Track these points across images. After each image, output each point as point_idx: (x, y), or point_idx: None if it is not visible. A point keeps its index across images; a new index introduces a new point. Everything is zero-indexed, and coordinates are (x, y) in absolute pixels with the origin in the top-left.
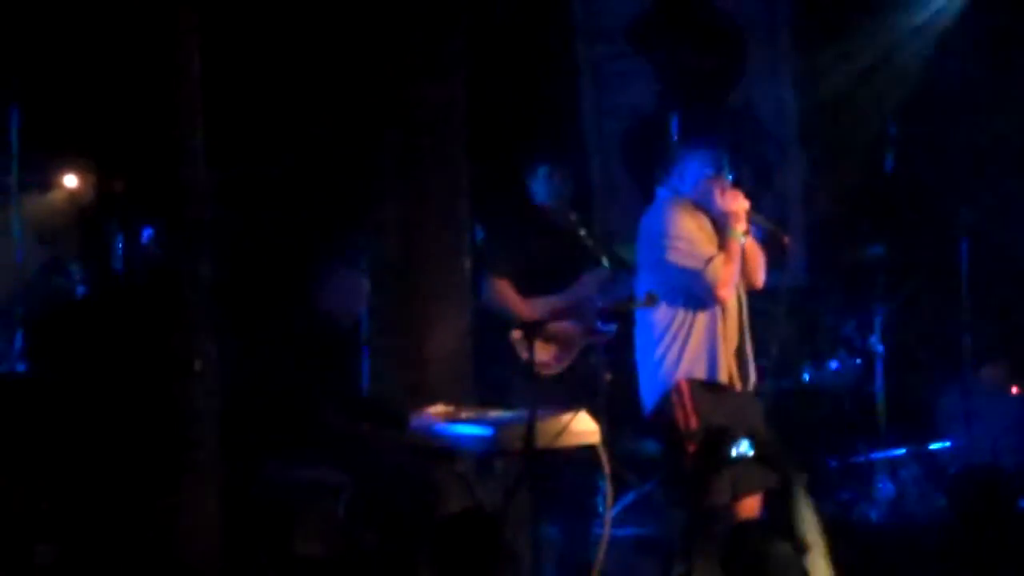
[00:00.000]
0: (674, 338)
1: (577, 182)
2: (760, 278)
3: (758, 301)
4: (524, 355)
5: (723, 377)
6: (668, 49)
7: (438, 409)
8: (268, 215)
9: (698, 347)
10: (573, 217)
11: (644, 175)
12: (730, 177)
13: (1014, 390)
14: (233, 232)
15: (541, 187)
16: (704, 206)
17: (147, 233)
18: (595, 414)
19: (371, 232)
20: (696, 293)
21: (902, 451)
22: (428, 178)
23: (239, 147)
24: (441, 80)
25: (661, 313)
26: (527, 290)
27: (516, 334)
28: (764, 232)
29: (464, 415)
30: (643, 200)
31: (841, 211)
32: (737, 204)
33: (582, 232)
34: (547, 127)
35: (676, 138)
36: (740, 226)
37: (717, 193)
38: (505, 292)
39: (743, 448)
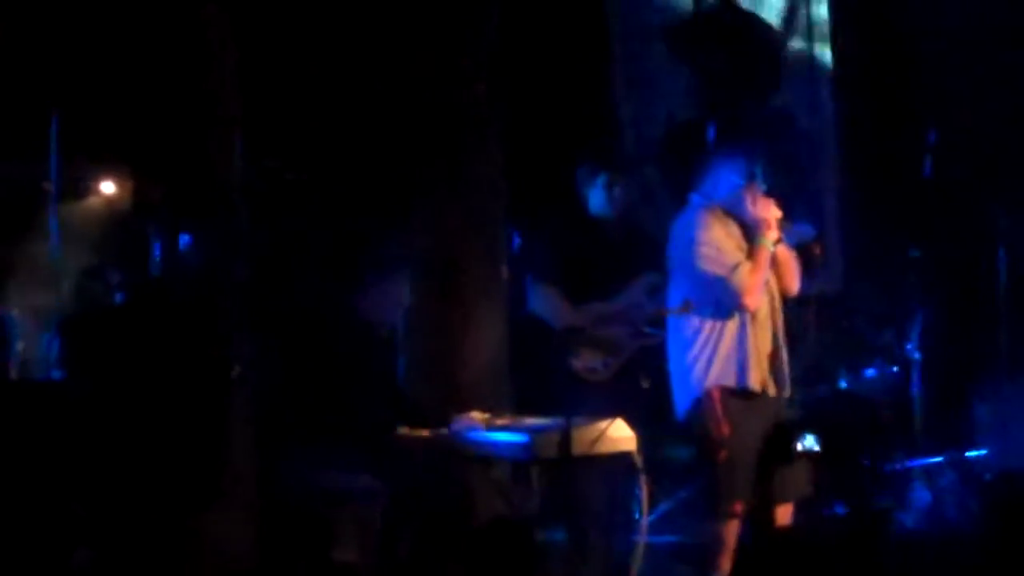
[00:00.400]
0: (704, 344)
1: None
2: (794, 286)
3: (792, 307)
4: (572, 362)
5: (755, 384)
6: (706, 53)
7: (474, 416)
8: (305, 219)
9: (728, 354)
10: (629, 225)
11: (680, 180)
12: (763, 186)
13: None
14: (270, 237)
15: (598, 196)
16: (736, 214)
17: (184, 239)
18: (637, 421)
19: (407, 236)
20: (723, 300)
21: (939, 459)
22: (465, 182)
23: (277, 151)
24: (477, 81)
25: (691, 320)
26: (578, 298)
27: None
28: (798, 240)
29: (500, 422)
30: (678, 205)
31: (878, 215)
32: (769, 212)
33: (635, 240)
34: (585, 131)
35: (712, 143)
36: (771, 235)
37: (749, 201)
38: (552, 298)
39: (809, 443)
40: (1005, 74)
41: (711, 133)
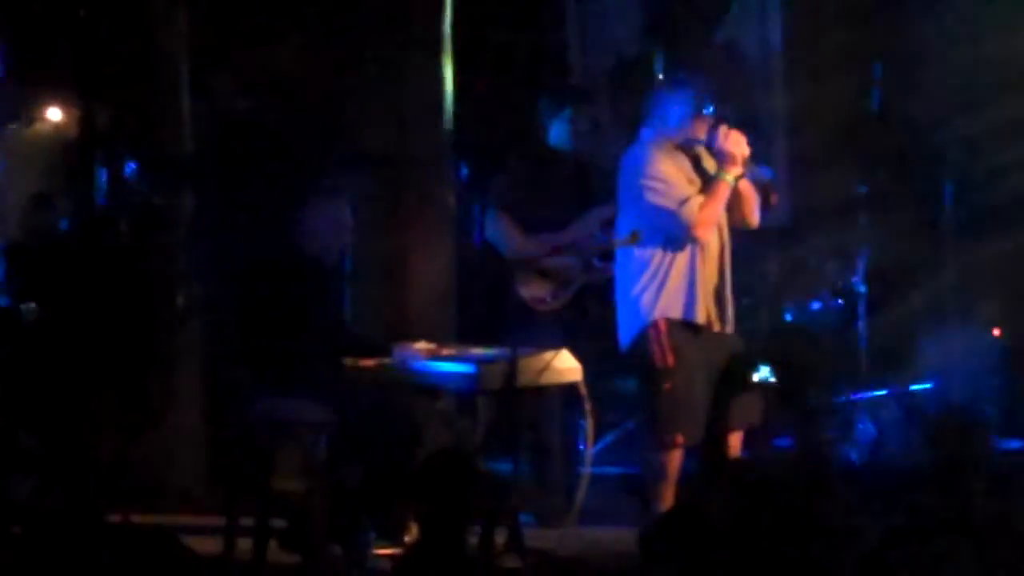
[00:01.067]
0: (652, 277)
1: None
2: (755, 218)
3: (741, 241)
4: (520, 292)
5: (701, 317)
6: None
7: (420, 346)
8: (249, 149)
9: (676, 287)
10: (584, 157)
11: (629, 114)
12: (709, 110)
13: (996, 332)
14: (215, 167)
15: (560, 128)
16: (686, 146)
17: (131, 167)
18: (584, 352)
19: (352, 167)
20: (673, 233)
21: (883, 392)
22: (409, 113)
23: (221, 83)
24: (423, 20)
25: (639, 252)
26: (532, 228)
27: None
28: (754, 179)
29: (446, 352)
30: (627, 139)
31: (826, 149)
32: (739, 148)
33: (590, 173)
34: (535, 64)
35: (661, 76)
36: (735, 170)
37: (721, 134)
38: (507, 227)
39: (764, 374)
40: (954, 4)
41: (659, 66)
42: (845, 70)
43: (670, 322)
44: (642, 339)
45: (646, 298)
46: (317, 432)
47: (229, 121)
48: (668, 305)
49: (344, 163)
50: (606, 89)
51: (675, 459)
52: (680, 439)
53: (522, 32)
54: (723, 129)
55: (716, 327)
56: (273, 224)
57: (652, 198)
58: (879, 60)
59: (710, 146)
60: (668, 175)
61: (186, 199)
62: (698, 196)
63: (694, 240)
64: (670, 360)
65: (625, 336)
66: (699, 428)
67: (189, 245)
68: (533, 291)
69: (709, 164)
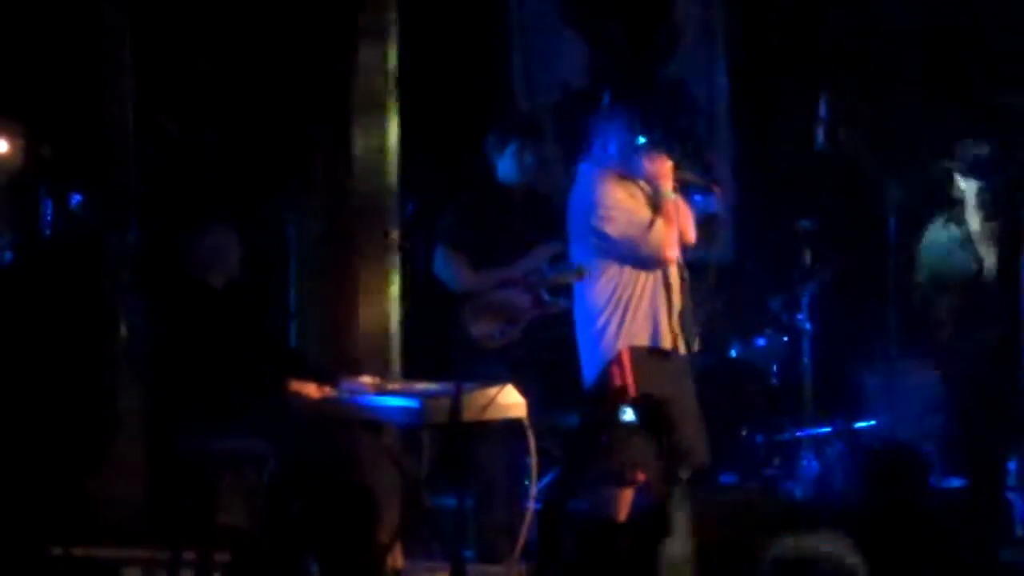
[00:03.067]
0: (615, 308)
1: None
2: (691, 234)
3: (690, 275)
4: (470, 328)
5: (666, 343)
6: (600, 22)
7: (365, 380)
8: (195, 182)
9: (641, 314)
10: (532, 190)
11: (574, 148)
12: (643, 140)
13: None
14: (158, 198)
15: (508, 163)
16: (630, 173)
17: (75, 199)
18: (532, 388)
19: (295, 201)
20: (642, 260)
21: (827, 429)
22: (356, 148)
23: (168, 114)
24: (370, 46)
25: (601, 284)
26: (481, 263)
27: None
28: (693, 185)
29: (391, 386)
30: (573, 173)
31: (770, 185)
32: (661, 164)
33: (538, 206)
34: (480, 98)
35: (607, 111)
36: (668, 184)
37: (644, 159)
38: (455, 263)
39: (628, 416)
40: (898, 44)
41: (605, 101)
42: (790, 107)
43: (635, 350)
44: (606, 374)
45: (611, 330)
46: (260, 465)
47: (176, 154)
48: (634, 333)
49: (290, 197)
50: (552, 124)
51: (628, 496)
52: (642, 476)
53: (468, 67)
54: (643, 156)
55: (682, 349)
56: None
57: (613, 228)
58: (824, 97)
59: (636, 171)
60: (624, 203)
61: (129, 230)
62: (658, 217)
63: (665, 262)
64: (632, 390)
65: (589, 371)
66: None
67: (132, 276)
68: (481, 327)
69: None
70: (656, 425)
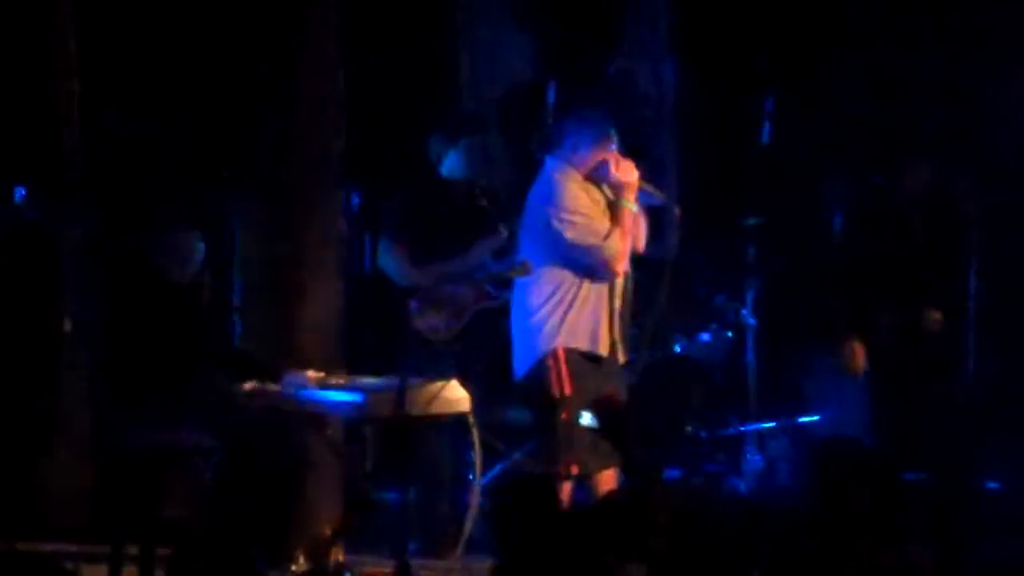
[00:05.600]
0: (556, 307)
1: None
2: (643, 243)
3: (633, 271)
4: (414, 321)
5: (603, 349)
6: (547, 16)
7: (310, 374)
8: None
9: (582, 318)
10: (479, 186)
11: (520, 143)
12: (613, 140)
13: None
14: (103, 194)
15: (454, 158)
16: (594, 177)
17: (20, 193)
18: (477, 382)
19: (236, 196)
20: (592, 268)
21: (772, 424)
22: (299, 141)
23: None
24: (315, 43)
25: (544, 281)
26: (424, 257)
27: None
28: (654, 203)
29: (335, 381)
30: (519, 168)
31: (716, 183)
32: (631, 176)
33: (484, 201)
34: (426, 92)
35: (553, 106)
36: (631, 196)
37: (612, 164)
38: (399, 257)
39: (586, 420)
40: (845, 39)
41: (552, 96)
42: (736, 103)
43: (570, 351)
44: (539, 368)
45: (548, 328)
46: (204, 459)
47: (119, 146)
48: (572, 336)
49: (233, 190)
50: (498, 118)
51: (566, 490)
52: (575, 469)
53: (414, 61)
54: (613, 159)
55: (619, 357)
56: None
57: (571, 233)
58: (770, 93)
59: (603, 177)
60: (585, 209)
61: (74, 225)
62: (615, 229)
63: (614, 274)
64: (567, 389)
65: (521, 365)
66: (594, 458)
67: (76, 271)
68: (426, 321)
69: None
70: (611, 426)
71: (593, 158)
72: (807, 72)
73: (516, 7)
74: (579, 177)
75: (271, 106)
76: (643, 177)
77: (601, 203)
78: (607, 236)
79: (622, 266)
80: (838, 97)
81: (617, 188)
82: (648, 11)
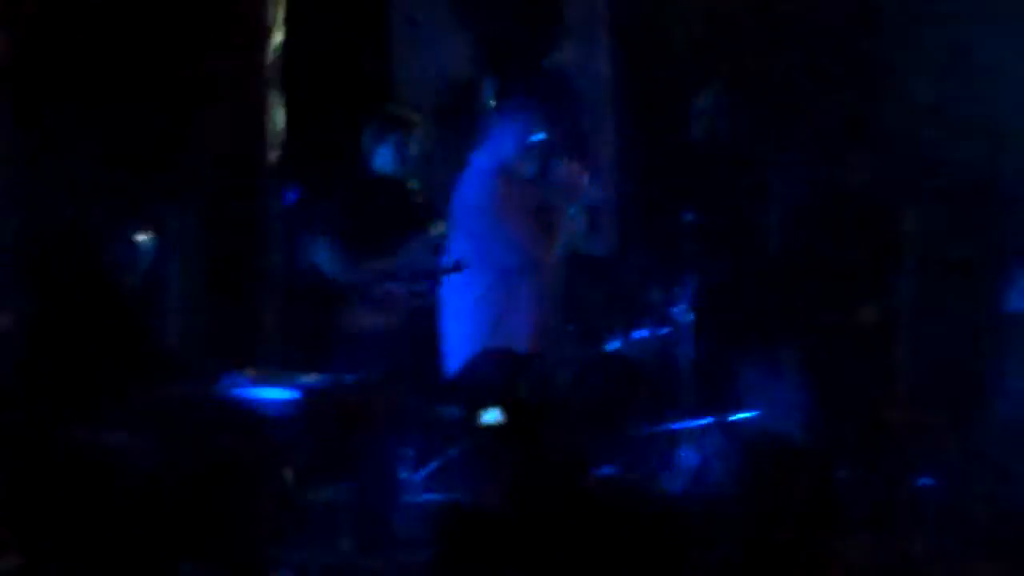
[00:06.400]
0: (485, 305)
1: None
2: (578, 240)
3: (568, 268)
4: (349, 318)
5: (532, 346)
6: (482, 12)
7: (246, 373)
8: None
9: (510, 315)
10: (412, 183)
11: (456, 139)
12: (540, 137)
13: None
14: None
15: (388, 153)
16: (520, 173)
17: None
18: (411, 378)
19: (172, 196)
20: (517, 265)
21: (707, 421)
22: (234, 138)
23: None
24: (249, 38)
25: (473, 280)
26: (359, 254)
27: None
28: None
29: (270, 379)
30: (454, 164)
31: (652, 179)
32: (579, 181)
33: (418, 199)
34: (362, 87)
35: (491, 104)
36: (574, 201)
37: (564, 168)
38: (332, 253)
39: (492, 416)
40: (785, 32)
41: (488, 93)
42: (673, 98)
43: (498, 350)
44: (470, 366)
45: (478, 326)
46: (139, 459)
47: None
48: (500, 334)
49: (166, 188)
50: (433, 114)
51: (504, 487)
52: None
53: (349, 56)
54: (564, 161)
55: (550, 355)
56: (76, 252)
57: (492, 232)
58: (707, 88)
59: (549, 178)
60: (511, 207)
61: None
62: (543, 229)
63: (538, 272)
64: (503, 388)
65: (454, 362)
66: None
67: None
68: (360, 317)
69: (538, 190)
70: (524, 425)
71: (519, 154)
72: (747, 66)
73: (454, 2)
74: (507, 174)
75: (204, 104)
76: (588, 181)
77: (532, 201)
78: (530, 235)
79: (549, 265)
80: (779, 91)
81: (562, 189)
82: (585, 4)
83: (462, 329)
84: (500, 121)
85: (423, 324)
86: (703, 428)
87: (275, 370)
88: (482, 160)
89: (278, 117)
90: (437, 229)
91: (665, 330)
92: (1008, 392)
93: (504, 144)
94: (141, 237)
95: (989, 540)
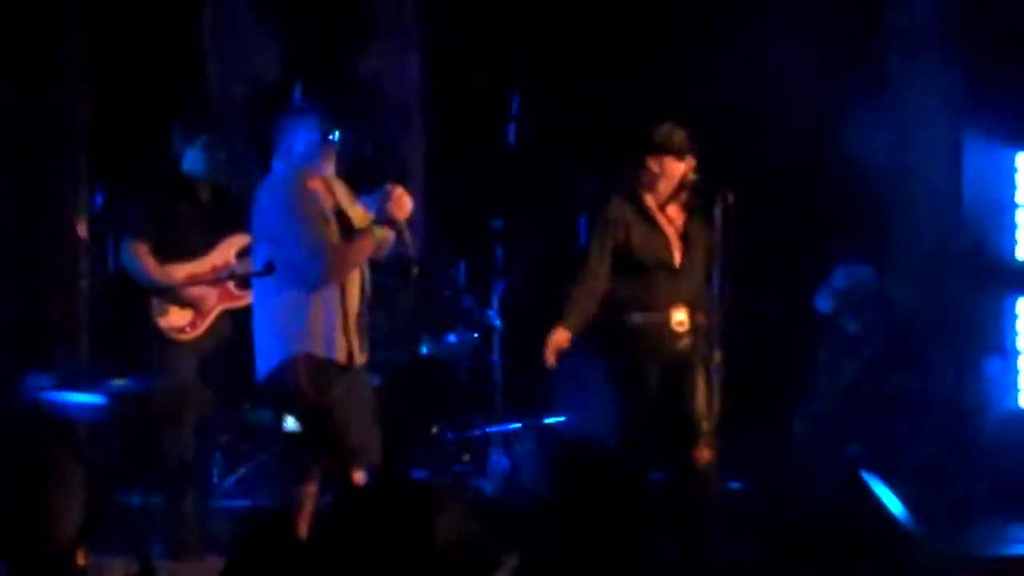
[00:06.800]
0: (291, 311)
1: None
2: (384, 253)
3: (377, 272)
4: (158, 321)
5: (340, 355)
6: (291, 16)
7: (51, 377)
8: None
9: (316, 322)
10: (222, 186)
11: (264, 142)
12: (335, 138)
13: None
14: None
15: (196, 156)
16: (315, 171)
17: None
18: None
19: None
20: (311, 275)
21: (517, 425)
22: (40, 139)
23: None
24: (60, 35)
25: (279, 285)
26: (168, 256)
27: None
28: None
29: (76, 382)
30: (263, 168)
31: (462, 185)
32: (403, 213)
33: (228, 202)
34: (172, 87)
35: (297, 105)
36: (390, 232)
37: (392, 196)
38: (142, 256)
39: (290, 424)
40: (588, 38)
41: (297, 95)
42: (483, 104)
43: (309, 357)
44: (280, 373)
45: (286, 333)
46: None
47: None
48: (308, 341)
49: None
50: (244, 117)
51: (311, 492)
52: (316, 471)
53: (159, 56)
54: (396, 192)
55: (358, 360)
56: None
57: (291, 238)
58: (517, 94)
59: (374, 208)
60: (307, 215)
61: None
62: (346, 244)
63: (330, 284)
64: (309, 395)
65: (263, 368)
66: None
67: None
68: (170, 320)
69: (340, 195)
70: (320, 432)
71: (312, 156)
72: (553, 72)
73: (262, 4)
74: (304, 179)
75: (13, 108)
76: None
77: (323, 207)
78: (325, 246)
79: (341, 278)
80: (584, 97)
81: (383, 218)
82: (394, 10)
83: (269, 334)
84: (295, 123)
85: (233, 327)
86: (514, 432)
87: (82, 374)
88: (278, 164)
89: (86, 118)
90: (246, 232)
91: (475, 335)
92: (816, 390)
93: (296, 146)
94: None
95: (798, 541)
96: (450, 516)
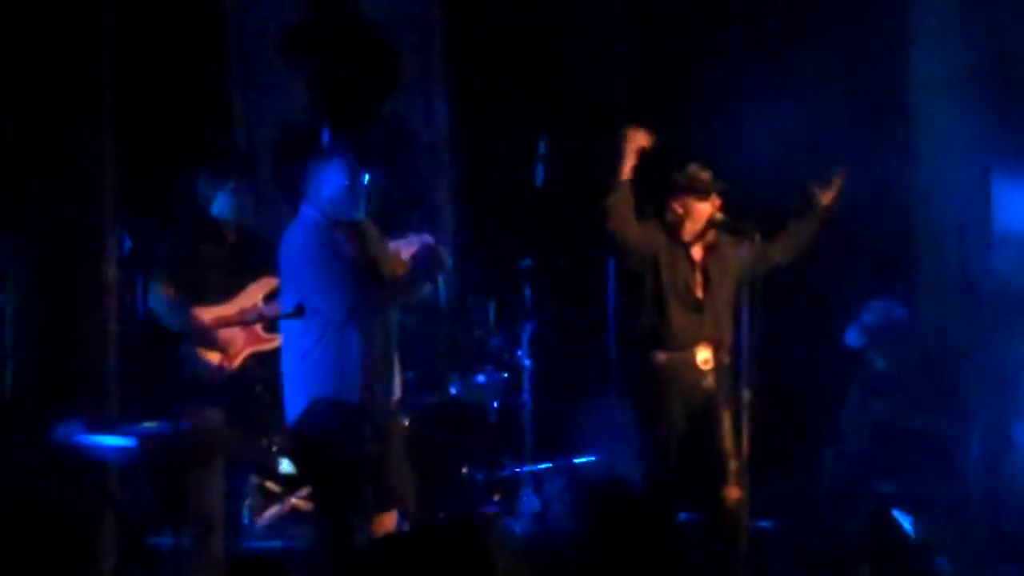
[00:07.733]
0: (318, 356)
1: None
2: (414, 297)
3: (406, 314)
4: (187, 364)
5: (368, 398)
6: (318, 58)
7: (82, 420)
8: None
9: (340, 365)
10: (250, 229)
11: (292, 185)
12: (363, 181)
13: None
14: None
15: (224, 199)
16: (343, 214)
17: None
18: (252, 425)
19: (13, 240)
20: (336, 318)
21: (547, 465)
22: (71, 183)
23: None
24: (87, 79)
25: (305, 328)
26: (196, 299)
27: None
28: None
29: (108, 425)
30: (291, 211)
31: (491, 225)
32: (442, 270)
33: (256, 244)
34: (199, 131)
35: (325, 148)
36: (426, 284)
37: (432, 258)
38: (171, 300)
39: (286, 467)
40: (615, 80)
41: (325, 138)
42: (510, 145)
43: (333, 401)
44: (307, 416)
45: (311, 375)
46: None
47: None
48: (332, 383)
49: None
50: (271, 161)
51: (342, 535)
52: (348, 515)
53: (187, 100)
54: (436, 249)
55: (387, 404)
56: None
57: (315, 283)
58: (544, 135)
59: (404, 251)
60: (332, 259)
61: None
62: (368, 277)
63: (366, 322)
64: (338, 440)
65: (292, 411)
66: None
67: None
68: (199, 362)
69: (371, 237)
70: (349, 476)
71: (340, 199)
72: (578, 113)
73: (288, 49)
74: (330, 223)
75: (42, 152)
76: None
77: (349, 250)
78: (359, 285)
79: (372, 318)
80: (612, 139)
81: (422, 274)
82: (421, 52)
83: (296, 378)
84: (323, 167)
85: (263, 369)
86: (544, 472)
87: (112, 417)
88: (306, 207)
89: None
90: (274, 275)
91: (505, 375)
92: (846, 429)
93: (325, 189)
94: None
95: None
96: (507, 555)
